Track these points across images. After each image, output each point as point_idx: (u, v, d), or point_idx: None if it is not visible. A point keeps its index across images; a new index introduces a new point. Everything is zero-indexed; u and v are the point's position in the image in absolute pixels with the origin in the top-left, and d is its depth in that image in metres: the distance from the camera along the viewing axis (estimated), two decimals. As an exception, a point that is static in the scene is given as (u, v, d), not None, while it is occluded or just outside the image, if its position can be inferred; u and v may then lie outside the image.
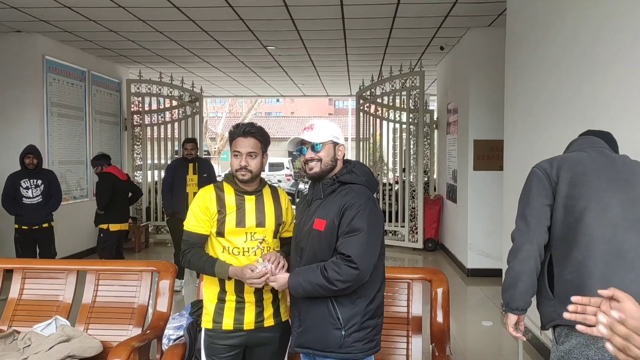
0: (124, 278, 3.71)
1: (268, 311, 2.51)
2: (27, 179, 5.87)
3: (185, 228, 2.53)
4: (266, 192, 2.57)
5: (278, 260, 2.37)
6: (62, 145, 8.06)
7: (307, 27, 7.17)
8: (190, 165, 6.52)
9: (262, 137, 2.51)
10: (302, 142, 2.36)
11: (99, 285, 3.66)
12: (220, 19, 6.74)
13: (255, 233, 2.47)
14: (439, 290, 3.24)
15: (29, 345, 3.34)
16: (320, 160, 2.31)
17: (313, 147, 2.31)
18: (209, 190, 2.56)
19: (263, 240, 2.48)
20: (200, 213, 2.48)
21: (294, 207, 2.65)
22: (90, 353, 3.31)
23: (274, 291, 2.51)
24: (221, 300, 2.49)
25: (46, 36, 7.59)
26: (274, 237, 2.52)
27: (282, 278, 2.29)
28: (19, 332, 3.46)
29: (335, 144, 2.34)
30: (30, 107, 7.52)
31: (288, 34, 7.49)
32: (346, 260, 2.15)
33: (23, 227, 5.90)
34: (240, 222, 2.46)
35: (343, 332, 2.22)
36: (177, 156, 9.29)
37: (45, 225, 5.99)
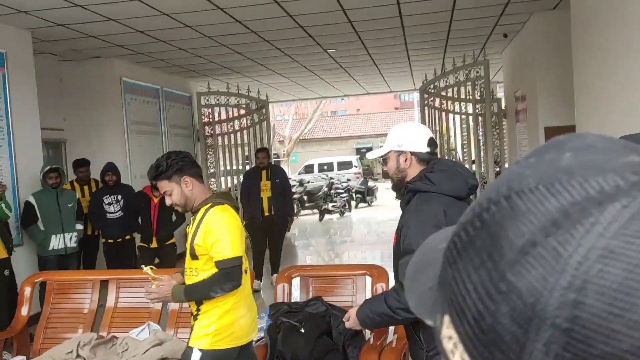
0: (207, 284, 3.96)
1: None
2: (108, 195, 6.30)
3: None
4: (199, 215, 2.56)
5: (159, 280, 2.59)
6: (142, 160, 8.55)
7: (366, 27, 7.23)
8: (264, 172, 6.94)
9: (166, 171, 2.51)
10: None
11: (185, 292, 3.92)
12: (280, 28, 6.94)
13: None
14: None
15: (127, 350, 3.64)
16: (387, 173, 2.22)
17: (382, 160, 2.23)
18: None
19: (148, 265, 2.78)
20: None
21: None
22: (181, 356, 3.57)
23: (195, 317, 2.59)
24: None
25: (122, 59, 8.11)
26: (193, 259, 2.55)
27: (352, 312, 2.23)
28: (117, 338, 3.78)
29: (398, 152, 2.14)
30: (112, 127, 8.06)
31: (347, 36, 7.59)
32: (402, 288, 1.96)
33: (109, 240, 6.34)
34: None
35: (425, 353, 2.10)
36: (248, 163, 9.68)
37: (128, 237, 6.40)
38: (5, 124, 5.77)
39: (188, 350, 2.58)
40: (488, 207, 0.32)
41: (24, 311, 3.97)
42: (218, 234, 2.44)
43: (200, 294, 2.48)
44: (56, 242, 5.64)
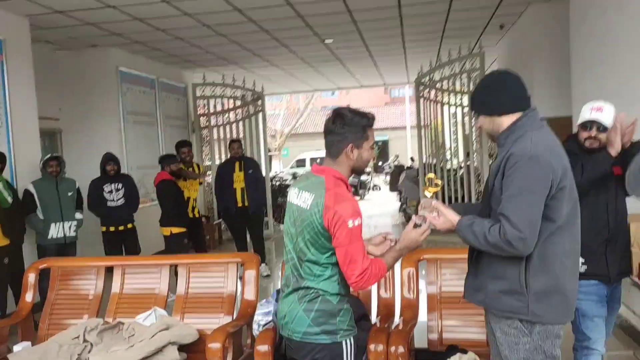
0: (212, 270, 3.94)
1: None
2: (108, 184, 6.27)
3: None
4: None
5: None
6: (139, 150, 8.52)
7: (364, 17, 7.24)
8: (237, 163, 6.95)
9: None
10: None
11: (191, 277, 3.91)
12: (279, 17, 6.93)
13: None
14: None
15: (133, 335, 3.63)
16: None
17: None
18: None
19: None
20: None
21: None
22: (188, 340, 3.56)
23: None
24: None
25: (118, 48, 8.04)
26: None
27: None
28: (123, 323, 3.77)
29: None
30: (108, 117, 8.01)
31: (345, 25, 7.60)
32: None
33: (110, 228, 6.31)
34: None
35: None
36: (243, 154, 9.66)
37: (130, 225, 6.39)
38: (3, 112, 5.71)
39: None
40: None
41: (29, 297, 3.94)
42: None
43: None
44: (55, 231, 5.60)
